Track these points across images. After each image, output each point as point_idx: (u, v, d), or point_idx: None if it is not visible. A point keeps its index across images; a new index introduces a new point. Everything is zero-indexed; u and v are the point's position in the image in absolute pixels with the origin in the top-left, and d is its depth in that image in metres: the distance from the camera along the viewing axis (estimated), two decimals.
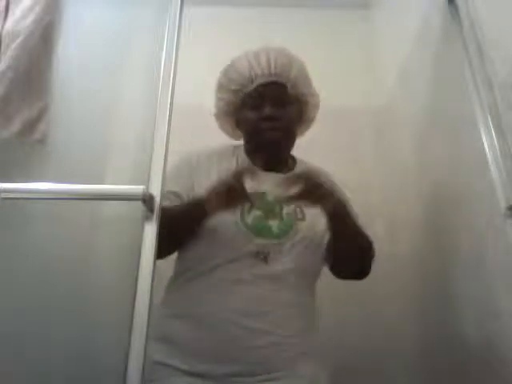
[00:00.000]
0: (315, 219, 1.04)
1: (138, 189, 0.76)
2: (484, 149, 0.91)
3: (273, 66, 1.08)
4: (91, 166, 1.30)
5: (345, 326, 1.35)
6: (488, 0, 1.01)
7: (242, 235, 0.99)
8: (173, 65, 0.91)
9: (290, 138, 1.13)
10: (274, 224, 1.01)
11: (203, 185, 0.99)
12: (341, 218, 0.99)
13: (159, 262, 0.75)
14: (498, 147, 0.89)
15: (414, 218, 1.39)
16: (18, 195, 0.82)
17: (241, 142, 1.19)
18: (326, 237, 1.05)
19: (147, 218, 0.77)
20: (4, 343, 1.10)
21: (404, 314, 1.36)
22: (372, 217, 1.44)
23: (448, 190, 1.17)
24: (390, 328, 1.34)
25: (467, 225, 1.07)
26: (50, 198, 0.88)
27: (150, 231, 0.76)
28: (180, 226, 0.98)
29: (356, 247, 1.03)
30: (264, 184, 1.04)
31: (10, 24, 1.23)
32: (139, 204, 0.76)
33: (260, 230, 1.00)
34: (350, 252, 1.04)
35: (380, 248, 1.37)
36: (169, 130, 0.85)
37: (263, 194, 1.04)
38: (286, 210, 1.04)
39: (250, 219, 1.00)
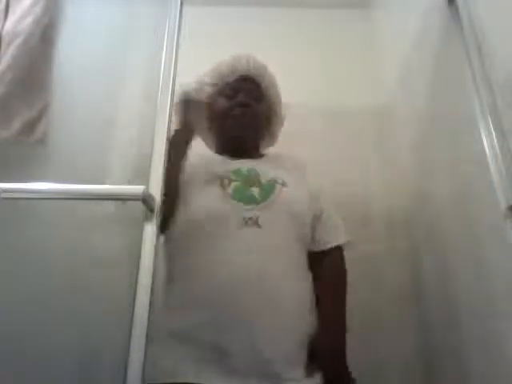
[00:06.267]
0: (297, 186, 1.08)
1: (137, 189, 0.76)
2: (484, 149, 0.91)
3: (251, 65, 1.20)
4: (91, 166, 1.30)
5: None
6: (488, 0, 1.01)
7: (229, 206, 1.01)
8: (173, 65, 0.91)
9: (257, 128, 1.20)
10: (255, 190, 1.04)
11: (193, 173, 1.07)
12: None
13: (159, 262, 0.75)
14: (497, 147, 0.89)
15: (413, 217, 1.39)
16: (18, 195, 0.82)
17: None
18: (306, 208, 1.07)
19: (147, 218, 0.77)
20: (4, 343, 1.10)
21: (404, 314, 1.36)
22: (371, 216, 1.44)
23: (448, 190, 1.17)
24: (390, 328, 1.34)
25: (467, 225, 1.07)
26: (50, 198, 0.88)
27: (150, 231, 0.76)
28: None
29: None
30: (238, 164, 1.10)
31: (10, 24, 1.23)
32: (139, 204, 0.76)
33: (243, 198, 1.02)
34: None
35: (379, 248, 1.37)
36: (169, 130, 0.85)
37: (237, 169, 1.09)
38: (264, 178, 1.07)
39: (230, 190, 1.03)
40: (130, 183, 0.79)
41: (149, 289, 0.72)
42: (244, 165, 1.11)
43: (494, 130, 0.90)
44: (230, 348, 0.90)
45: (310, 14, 1.74)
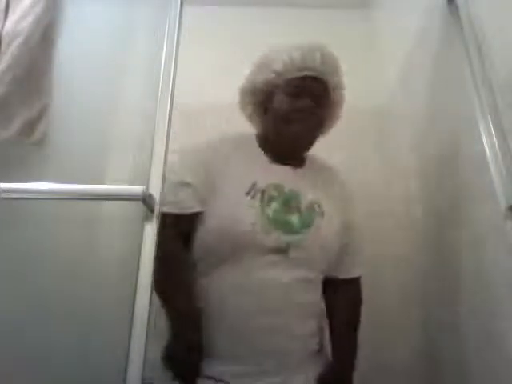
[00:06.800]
0: (332, 217, 1.06)
1: (137, 189, 0.76)
2: (484, 149, 0.91)
3: (324, 64, 1.08)
4: (91, 165, 1.29)
5: None
6: (488, 0, 1.01)
7: (264, 229, 0.97)
8: (173, 65, 0.91)
9: (310, 137, 1.11)
10: (293, 218, 1.00)
11: (223, 172, 1.01)
12: None
13: None
14: (497, 147, 0.89)
15: (413, 217, 1.39)
16: (18, 195, 0.82)
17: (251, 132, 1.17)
18: (338, 240, 1.07)
19: (147, 218, 0.77)
20: (4, 343, 1.10)
21: (403, 314, 1.36)
22: (371, 216, 1.44)
23: (448, 189, 1.17)
24: (390, 328, 1.34)
25: (467, 225, 1.07)
26: (50, 198, 0.87)
27: (150, 231, 0.76)
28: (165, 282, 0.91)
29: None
30: (281, 177, 1.05)
31: (10, 24, 1.23)
32: (139, 204, 0.76)
33: (281, 224, 0.98)
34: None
35: (380, 248, 1.37)
36: (169, 130, 0.85)
37: (279, 185, 1.03)
38: (304, 202, 1.03)
39: (270, 212, 0.98)
40: (130, 183, 0.79)
41: (149, 289, 0.72)
42: (286, 178, 1.05)
43: (494, 130, 0.90)
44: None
45: (310, 14, 1.74)
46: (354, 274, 1.11)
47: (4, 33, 1.21)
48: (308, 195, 1.05)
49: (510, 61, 0.90)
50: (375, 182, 1.52)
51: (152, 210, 0.77)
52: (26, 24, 1.23)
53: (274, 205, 1.00)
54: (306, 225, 1.01)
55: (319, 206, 1.05)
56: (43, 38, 1.26)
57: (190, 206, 1.00)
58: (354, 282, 1.11)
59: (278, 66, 1.07)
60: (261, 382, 0.92)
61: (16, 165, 1.19)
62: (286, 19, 1.74)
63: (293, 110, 1.04)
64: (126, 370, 0.66)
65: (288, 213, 1.01)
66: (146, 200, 0.76)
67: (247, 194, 0.99)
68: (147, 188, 0.77)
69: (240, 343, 0.93)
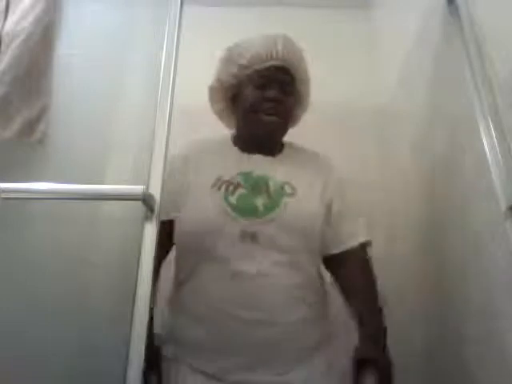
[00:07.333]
0: (309, 196, 1.04)
1: (137, 189, 0.76)
2: (484, 149, 0.91)
3: (288, 52, 1.09)
4: (91, 165, 1.29)
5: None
6: (488, 0, 1.01)
7: (228, 217, 0.97)
8: (173, 65, 0.91)
9: (284, 126, 1.13)
10: (259, 201, 1.00)
11: (194, 178, 1.04)
12: None
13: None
14: (498, 147, 0.89)
15: (413, 217, 1.39)
16: (18, 195, 0.82)
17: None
18: (320, 219, 1.04)
19: (147, 218, 0.77)
20: (4, 343, 1.10)
21: (403, 314, 1.35)
22: (371, 216, 1.44)
23: (448, 189, 1.17)
24: (390, 328, 1.34)
25: (467, 225, 1.07)
26: (50, 198, 0.88)
27: (150, 231, 0.76)
28: None
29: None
30: (250, 165, 1.06)
31: (10, 24, 1.23)
32: (139, 204, 0.76)
33: (245, 210, 0.98)
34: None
35: (380, 247, 1.37)
36: (169, 130, 0.85)
37: (248, 172, 1.04)
38: (274, 186, 1.03)
39: (234, 199, 1.00)
40: (130, 183, 0.79)
41: (149, 288, 0.72)
42: (258, 166, 1.06)
43: (494, 130, 0.90)
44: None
45: (310, 14, 1.74)
46: (348, 246, 1.07)
47: (4, 33, 1.21)
48: (278, 177, 1.05)
49: (510, 61, 0.90)
50: (375, 182, 1.52)
51: (152, 210, 0.77)
52: (26, 24, 1.23)
53: (240, 191, 1.01)
54: (273, 206, 0.99)
55: (291, 187, 1.03)
56: (43, 38, 1.26)
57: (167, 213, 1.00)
58: (354, 253, 1.07)
59: (243, 60, 1.09)
60: (254, 376, 0.91)
61: (16, 165, 1.19)
62: (286, 19, 1.74)
63: (262, 101, 1.06)
64: (125, 370, 0.66)
65: (254, 197, 1.00)
66: (146, 200, 0.76)
67: (212, 187, 1.01)
68: (147, 188, 0.78)
69: (225, 337, 0.93)
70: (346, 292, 1.07)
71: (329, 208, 1.07)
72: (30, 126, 1.21)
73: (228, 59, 1.13)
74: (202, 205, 1.00)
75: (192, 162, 1.09)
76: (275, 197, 1.01)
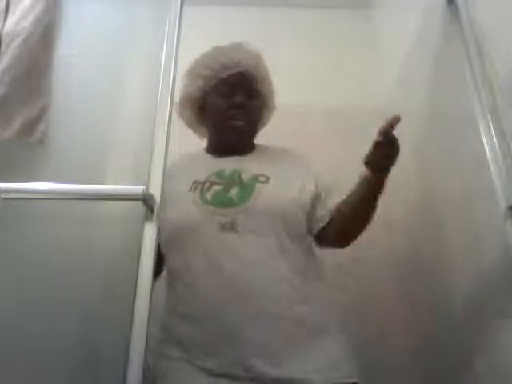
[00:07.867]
0: (283, 182, 1.05)
1: (137, 189, 0.76)
2: (484, 149, 0.91)
3: (249, 59, 1.15)
4: (91, 165, 1.29)
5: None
6: (488, 0, 1.01)
7: (206, 212, 0.99)
8: (173, 65, 0.91)
9: (252, 128, 1.18)
10: (233, 192, 1.02)
11: (176, 184, 1.04)
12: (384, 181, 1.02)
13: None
14: (498, 147, 0.89)
15: (413, 217, 1.39)
16: (18, 195, 0.82)
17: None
18: (303, 206, 1.04)
19: (147, 218, 0.77)
20: (4, 342, 1.10)
21: (403, 315, 1.36)
22: None
23: (448, 189, 1.17)
24: (390, 328, 1.34)
25: (467, 225, 1.07)
26: (50, 197, 0.88)
27: (150, 231, 0.76)
28: None
29: (373, 213, 1.04)
30: (224, 164, 1.09)
31: (10, 24, 1.23)
32: (139, 204, 0.76)
33: (220, 202, 1.01)
34: (367, 217, 1.04)
35: (379, 247, 1.37)
36: (169, 130, 0.85)
37: (221, 170, 1.07)
38: (246, 176, 1.05)
39: (209, 196, 1.02)
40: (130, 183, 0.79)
41: (149, 289, 0.72)
42: (230, 164, 1.09)
43: (494, 130, 0.90)
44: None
45: (310, 14, 1.74)
46: (332, 213, 1.07)
47: (4, 33, 1.21)
48: (251, 170, 1.07)
49: (510, 61, 0.90)
50: None
51: (152, 210, 0.77)
52: (26, 24, 1.23)
53: (215, 188, 1.03)
54: (246, 195, 1.01)
55: (265, 176, 1.05)
56: (43, 38, 1.26)
57: None
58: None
59: (206, 71, 1.14)
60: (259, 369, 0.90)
61: (16, 165, 1.19)
62: (286, 19, 1.75)
63: (229, 108, 1.11)
64: (125, 370, 0.66)
65: (229, 190, 1.03)
66: (146, 200, 0.76)
67: (189, 191, 1.04)
68: (147, 188, 0.78)
69: (220, 332, 0.92)
70: (341, 211, 1.07)
71: (317, 197, 1.09)
72: (30, 126, 1.21)
73: (192, 73, 1.18)
74: (179, 207, 1.02)
75: (167, 176, 1.08)
76: (248, 186, 1.03)
